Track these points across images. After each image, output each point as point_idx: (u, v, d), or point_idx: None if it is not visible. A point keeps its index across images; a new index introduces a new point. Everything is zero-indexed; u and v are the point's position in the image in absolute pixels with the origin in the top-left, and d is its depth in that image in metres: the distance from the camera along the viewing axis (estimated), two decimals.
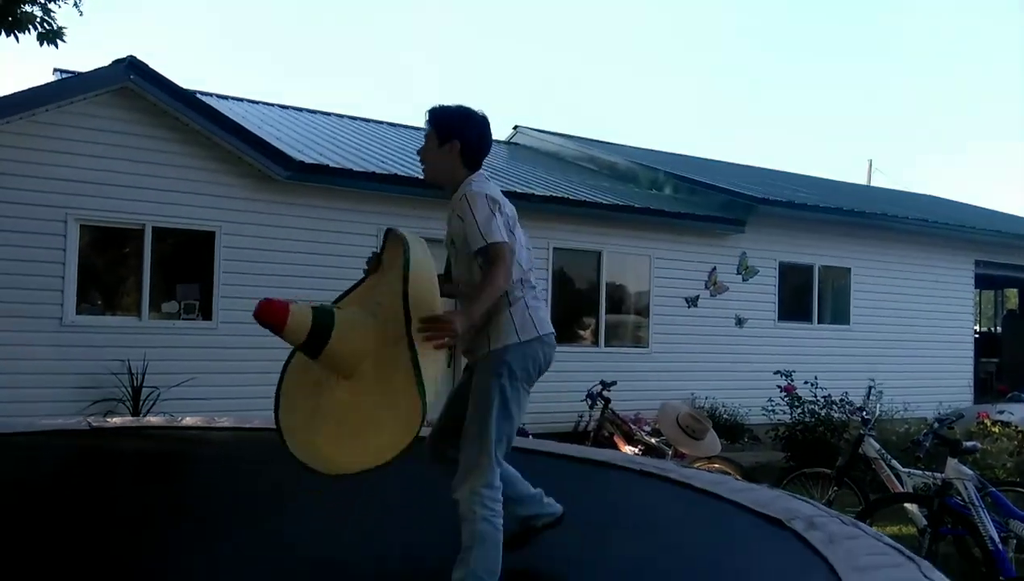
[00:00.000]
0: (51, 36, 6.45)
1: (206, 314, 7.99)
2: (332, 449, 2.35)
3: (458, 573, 2.38)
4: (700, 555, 3.06)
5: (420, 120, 2.81)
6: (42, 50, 9.56)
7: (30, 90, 7.19)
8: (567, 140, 14.79)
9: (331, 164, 8.51)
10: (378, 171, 8.77)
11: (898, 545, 2.91)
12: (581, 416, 9.35)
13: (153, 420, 4.95)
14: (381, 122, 13.42)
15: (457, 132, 2.65)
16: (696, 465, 5.36)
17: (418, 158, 2.75)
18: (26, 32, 6.39)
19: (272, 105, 12.24)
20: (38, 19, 6.33)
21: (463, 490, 2.41)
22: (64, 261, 7.36)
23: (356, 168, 8.65)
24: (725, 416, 10.24)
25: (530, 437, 6.04)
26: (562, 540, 2.96)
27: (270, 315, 2.37)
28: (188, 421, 4.73)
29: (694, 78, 62.03)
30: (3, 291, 7.10)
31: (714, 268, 11.02)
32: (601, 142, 15.20)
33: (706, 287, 10.96)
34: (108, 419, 5.39)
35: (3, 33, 6.21)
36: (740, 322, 11.10)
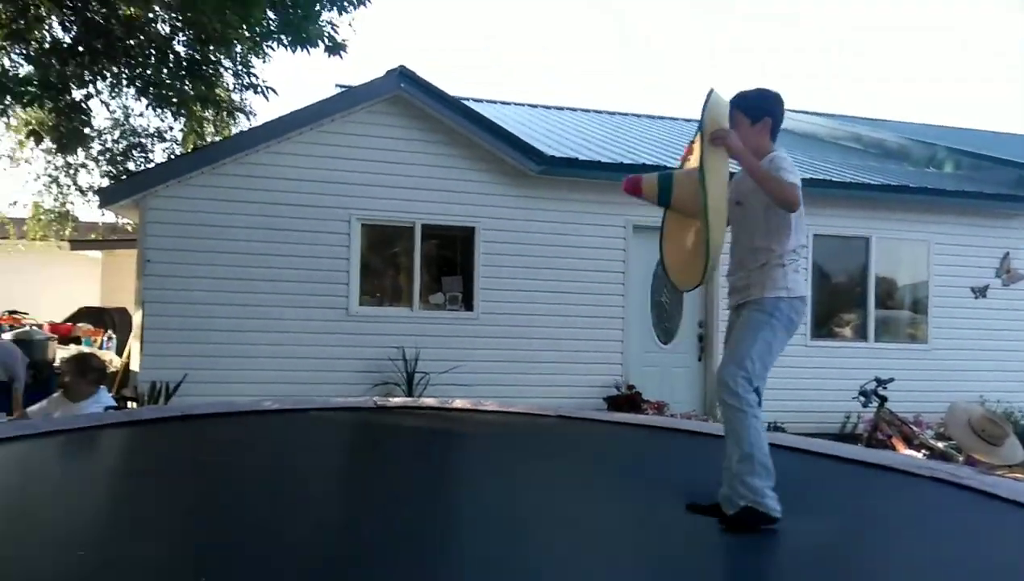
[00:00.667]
0: (336, 49, 7.13)
1: (468, 305, 8.48)
2: (678, 273, 3.17)
3: (736, 454, 2.72)
4: (1011, 575, 2.67)
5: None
6: (318, 63, 10.69)
7: (317, 104, 8.07)
8: (823, 118, 13.78)
9: (580, 157, 8.65)
10: (625, 161, 8.76)
11: None
12: (848, 416, 8.69)
13: (427, 401, 5.32)
14: (627, 114, 13.41)
15: (768, 110, 3.03)
16: (996, 474, 4.72)
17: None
18: (316, 45, 7.14)
19: (522, 105, 12.69)
20: (327, 34, 7.03)
21: (729, 369, 2.77)
22: (348, 257, 8.17)
23: (604, 159, 8.71)
24: (1023, 422, 8.96)
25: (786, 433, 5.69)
26: (857, 551, 2.73)
27: (631, 186, 3.09)
28: (457, 403, 5.02)
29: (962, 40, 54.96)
30: (298, 285, 8.02)
31: (1007, 254, 9.70)
32: (865, 119, 13.97)
33: (997, 275, 9.67)
34: (389, 399, 5.90)
35: (298, 47, 6.97)
36: None
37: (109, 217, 14.70)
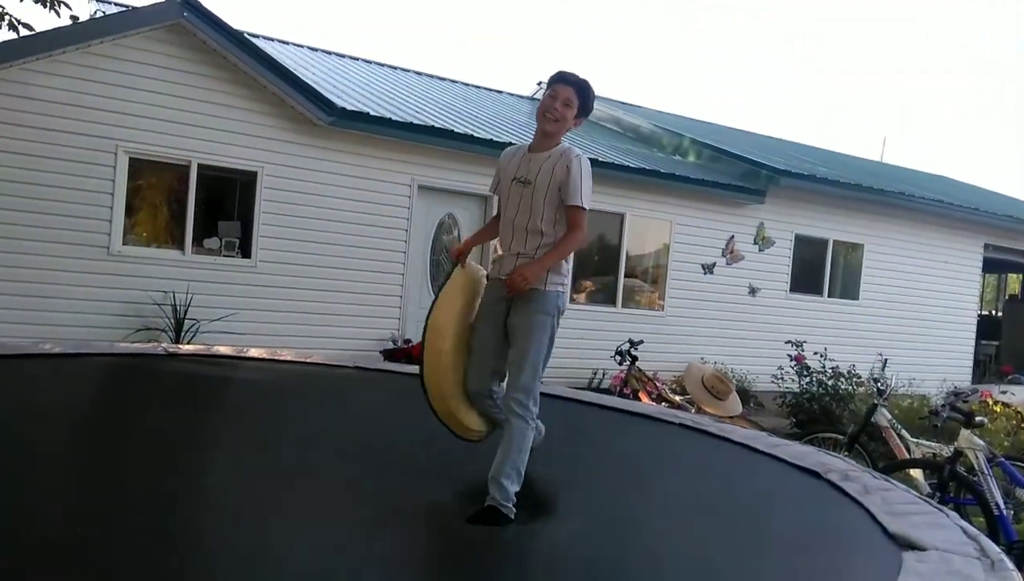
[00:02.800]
0: None
1: (245, 252, 8.24)
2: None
3: (505, 466, 2.85)
4: (748, 502, 3.38)
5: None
6: None
7: (88, 22, 7.34)
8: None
9: (371, 112, 8.69)
10: (416, 121, 8.95)
11: (925, 498, 3.23)
12: (595, 372, 9.72)
13: (222, 349, 5.23)
14: (432, 76, 13.42)
15: (590, 106, 3.16)
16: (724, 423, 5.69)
17: (550, 112, 3.05)
18: None
19: (318, 50, 12.28)
20: None
21: (522, 381, 2.92)
22: (113, 192, 7.58)
23: (395, 117, 8.83)
24: (734, 382, 10.59)
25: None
26: (613, 487, 3.28)
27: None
28: (253, 352, 5.01)
29: (712, 44, 61.14)
30: (54, 217, 7.32)
31: (732, 236, 11.27)
32: (625, 104, 15.28)
33: (723, 255, 11.23)
34: (180, 346, 5.69)
35: None
36: (753, 291, 11.40)
37: None
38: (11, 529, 2.20)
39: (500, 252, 3.12)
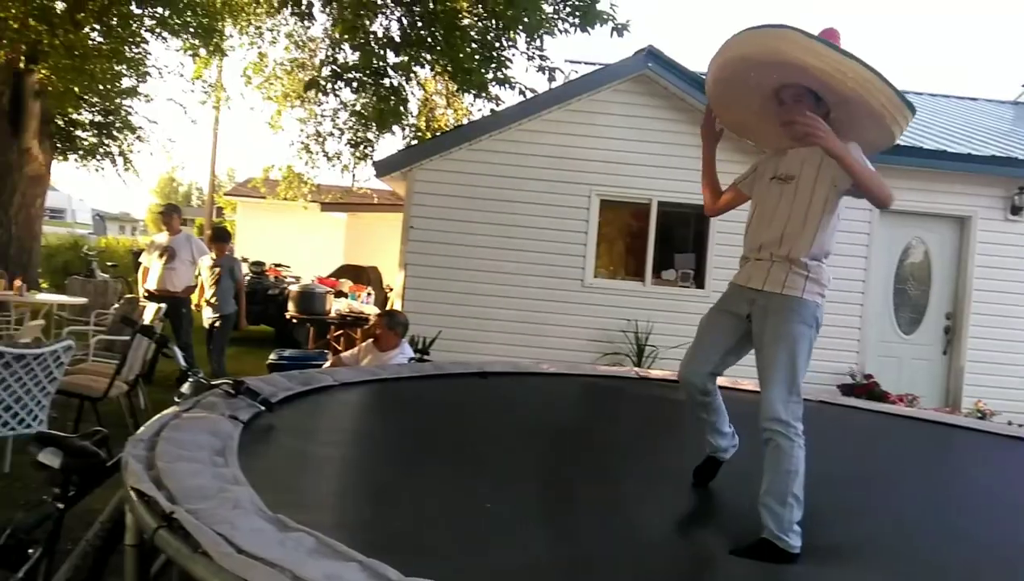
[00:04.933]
0: (620, 29, 7.28)
1: (699, 282, 8.62)
2: None
3: (777, 488, 2.36)
4: None
5: None
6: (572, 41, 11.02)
7: (569, 83, 8.47)
8: None
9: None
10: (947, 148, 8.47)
11: None
12: None
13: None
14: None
15: None
16: None
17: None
18: (602, 25, 7.41)
19: None
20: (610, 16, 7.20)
21: (777, 393, 2.41)
22: (587, 231, 8.57)
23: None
24: None
25: None
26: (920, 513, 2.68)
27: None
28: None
29: None
30: (539, 255, 8.53)
31: None
32: None
33: None
34: (649, 371, 6.23)
35: (579, 30, 7.26)
36: None
37: (341, 181, 16.24)
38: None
39: (749, 255, 2.68)
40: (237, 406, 2.68)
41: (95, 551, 2.53)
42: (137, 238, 27.78)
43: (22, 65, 10.36)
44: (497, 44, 6.99)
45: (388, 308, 7.05)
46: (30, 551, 2.41)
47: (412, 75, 7.84)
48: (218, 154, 25.33)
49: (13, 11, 8.32)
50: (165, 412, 2.45)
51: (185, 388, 2.75)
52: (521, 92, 7.65)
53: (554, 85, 8.34)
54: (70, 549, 2.46)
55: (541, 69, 7.52)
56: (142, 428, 2.26)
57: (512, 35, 6.94)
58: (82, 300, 8.99)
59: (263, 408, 2.80)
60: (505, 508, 2.39)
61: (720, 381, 2.82)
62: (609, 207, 8.75)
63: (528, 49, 7.25)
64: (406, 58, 6.64)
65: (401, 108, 7.61)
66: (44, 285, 10.20)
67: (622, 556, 2.19)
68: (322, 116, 14.96)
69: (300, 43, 14.90)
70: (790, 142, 2.59)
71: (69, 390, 5.06)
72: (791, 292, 2.51)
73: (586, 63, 10.56)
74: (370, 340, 5.29)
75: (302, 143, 15.54)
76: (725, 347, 2.70)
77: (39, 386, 4.41)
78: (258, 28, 13.86)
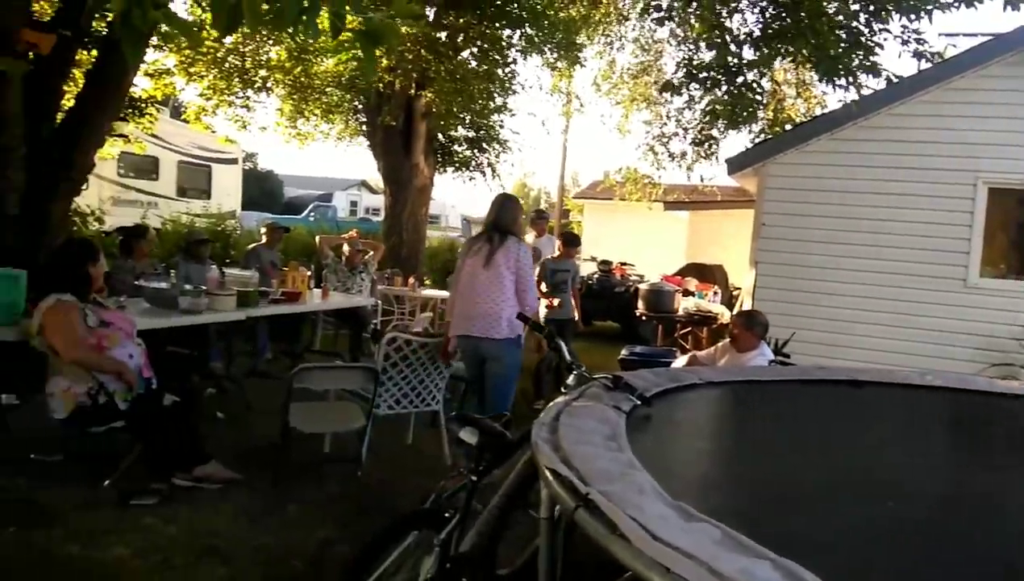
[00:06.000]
0: (1015, 2, 6.33)
1: None
2: None
3: None
4: None
5: None
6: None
7: (947, 61, 7.53)
8: None
9: None
10: None
11: None
12: None
13: None
14: None
15: None
16: None
17: None
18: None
19: None
20: None
21: None
22: (971, 224, 7.55)
23: None
24: None
25: None
26: None
27: None
28: None
29: None
30: (910, 251, 7.71)
31: None
32: None
33: None
34: None
35: (964, 5, 6.42)
36: None
37: (684, 180, 16.20)
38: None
39: None
40: (617, 398, 2.83)
41: (494, 520, 2.87)
42: None
43: (412, 92, 12.03)
44: (867, 29, 6.42)
45: (738, 307, 6.90)
46: (446, 515, 2.79)
47: (768, 70, 7.55)
48: (566, 160, 26.91)
49: (409, 44, 9.67)
50: (557, 400, 2.68)
51: (571, 380, 2.97)
52: (888, 80, 6.97)
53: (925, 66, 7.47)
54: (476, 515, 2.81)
55: (917, 55, 6.75)
56: (541, 413, 2.49)
57: (885, 16, 6.33)
58: None
59: (639, 402, 2.92)
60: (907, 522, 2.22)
61: None
62: (999, 196, 7.61)
63: (904, 33, 6.55)
64: (766, 51, 6.40)
65: (754, 104, 7.37)
66: (427, 282, 11.71)
67: None
68: (667, 117, 15.19)
69: (646, 47, 15.27)
70: None
71: (459, 374, 5.76)
72: None
73: (964, 35, 9.30)
74: (727, 340, 5.23)
75: (647, 144, 15.94)
76: None
77: (438, 370, 5.08)
78: (607, 36, 14.47)
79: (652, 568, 1.43)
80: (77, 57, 7.03)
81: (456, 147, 14.37)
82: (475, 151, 14.42)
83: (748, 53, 6.51)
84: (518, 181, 60.83)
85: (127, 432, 4.27)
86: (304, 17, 1.83)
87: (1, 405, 4.36)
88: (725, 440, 3.07)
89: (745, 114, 7.82)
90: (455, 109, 11.14)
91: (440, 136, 13.74)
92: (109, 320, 4.24)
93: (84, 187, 6.75)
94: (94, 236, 9.54)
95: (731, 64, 6.55)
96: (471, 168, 14.52)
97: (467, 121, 13.12)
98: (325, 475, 4.71)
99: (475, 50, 10.74)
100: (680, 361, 5.60)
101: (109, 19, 6.68)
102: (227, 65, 11.68)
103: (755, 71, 6.85)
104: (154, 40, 8.69)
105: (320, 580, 3.46)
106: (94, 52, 7.05)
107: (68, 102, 7.12)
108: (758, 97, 7.29)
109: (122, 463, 4.21)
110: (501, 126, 13.87)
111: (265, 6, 1.78)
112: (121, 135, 10.43)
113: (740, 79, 6.78)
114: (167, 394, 4.28)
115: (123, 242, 6.86)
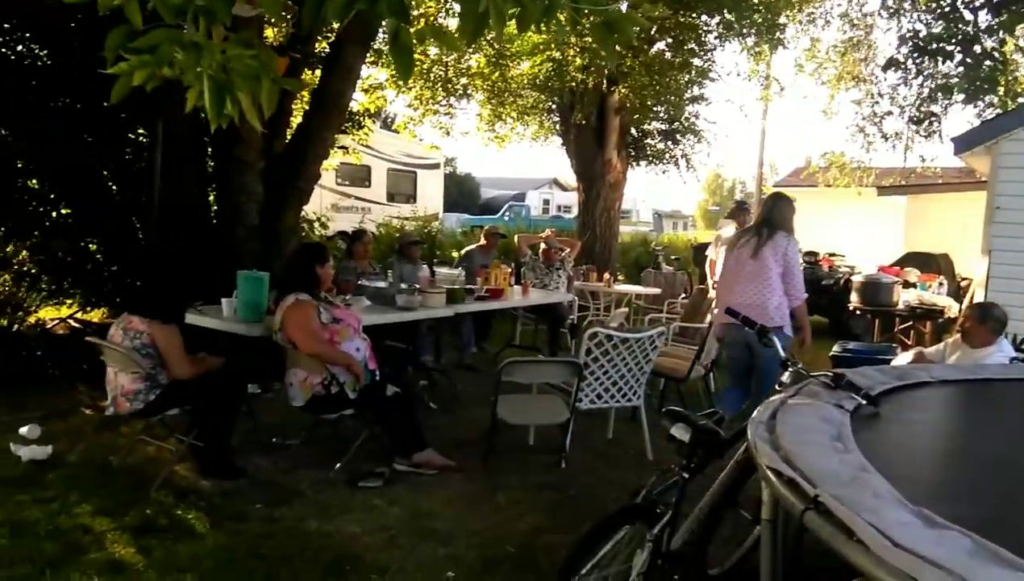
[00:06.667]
0: None
1: None
2: None
3: None
4: None
5: None
6: None
7: None
8: None
9: None
10: None
11: None
12: None
13: None
14: None
15: None
16: None
17: None
18: None
19: None
20: None
21: None
22: None
23: None
24: None
25: None
26: None
27: None
28: None
29: None
30: None
31: None
32: None
33: None
34: None
35: None
36: None
37: (899, 163, 14.90)
38: None
39: None
40: (839, 396, 2.70)
41: (705, 518, 2.83)
42: (689, 233, 29.88)
43: (605, 88, 12.05)
44: None
45: (968, 300, 6.26)
46: (658, 511, 2.79)
47: (1011, 36, 6.75)
48: (764, 147, 25.73)
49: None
50: (773, 398, 2.60)
51: (785, 377, 2.87)
52: None
53: None
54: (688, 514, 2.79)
55: None
56: (755, 411, 2.43)
57: None
58: (655, 290, 10.06)
59: (863, 401, 2.76)
60: None
61: None
62: None
63: None
64: (1005, 17, 5.74)
65: (997, 73, 6.63)
66: (621, 278, 11.68)
67: None
68: (879, 95, 14.08)
69: (854, 21, 14.23)
70: None
71: (658, 370, 5.71)
72: None
73: None
74: (957, 335, 4.79)
75: (856, 126, 14.84)
76: None
77: (639, 366, 5.07)
78: (810, 15, 13.66)
79: (896, 577, 1.36)
80: (303, 77, 7.74)
81: (649, 140, 14.21)
82: (669, 143, 14.19)
83: (984, 18, 5.85)
84: (711, 172, 58.98)
85: (355, 419, 4.67)
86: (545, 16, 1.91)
87: (248, 394, 4.88)
88: (963, 443, 2.83)
89: (986, 87, 7.03)
90: (649, 102, 11.01)
91: (633, 130, 13.65)
92: (339, 317, 4.63)
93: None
94: (320, 240, 10.45)
95: (966, 32, 5.91)
96: (664, 161, 14.31)
97: (661, 114, 12.94)
98: (530, 466, 4.86)
99: (670, 40, 10.55)
100: (904, 358, 5.20)
101: (331, 40, 7.29)
102: (432, 75, 12.34)
103: (995, 37, 6.13)
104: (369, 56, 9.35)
105: (532, 565, 3.58)
106: (318, 72, 7.73)
107: (296, 119, 7.87)
108: (999, 66, 6.52)
109: (351, 448, 4.60)
110: (696, 117, 13.55)
111: (510, 10, 1.87)
112: (342, 147, 11.34)
113: (977, 47, 6.09)
114: (389, 385, 4.62)
115: (347, 245, 7.47)
